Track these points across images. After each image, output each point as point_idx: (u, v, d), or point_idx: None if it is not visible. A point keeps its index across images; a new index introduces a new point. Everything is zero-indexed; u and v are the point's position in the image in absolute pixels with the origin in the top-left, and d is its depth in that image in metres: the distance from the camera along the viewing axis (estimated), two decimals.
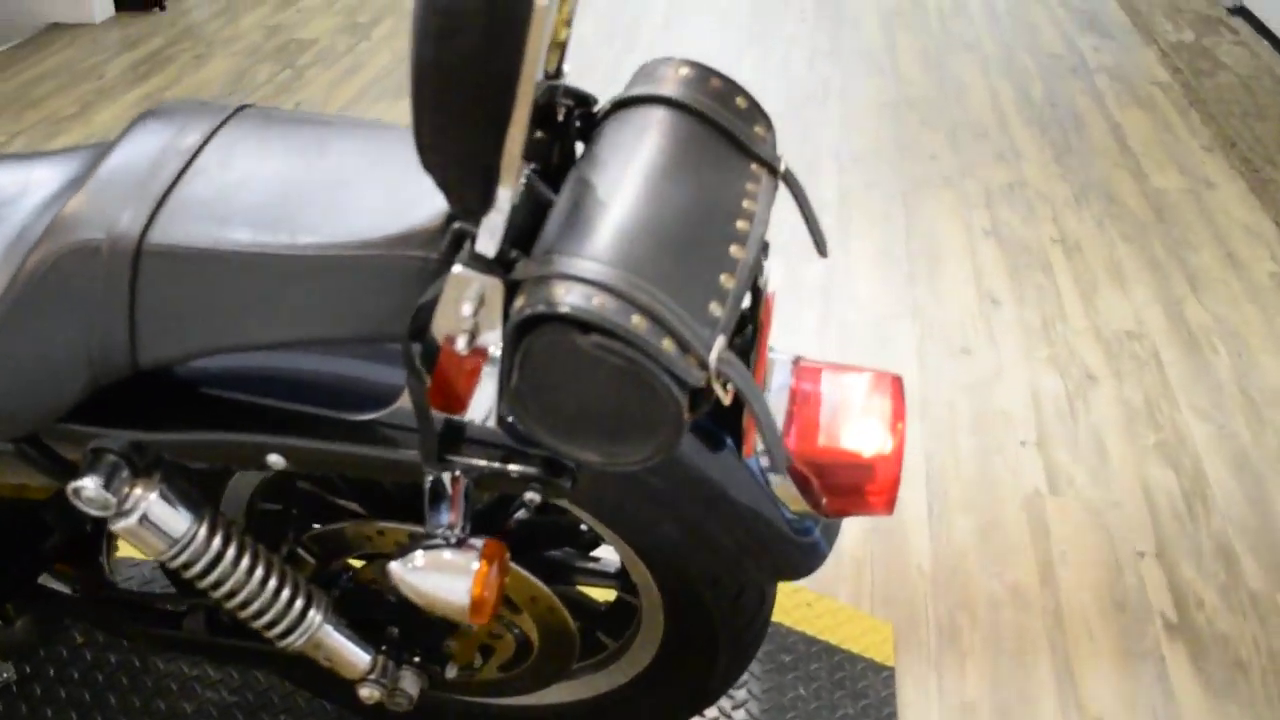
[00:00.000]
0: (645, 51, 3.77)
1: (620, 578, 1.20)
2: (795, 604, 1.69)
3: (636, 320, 0.74)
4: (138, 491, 0.95)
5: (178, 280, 0.85)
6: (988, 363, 2.28)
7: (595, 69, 3.63)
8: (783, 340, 2.34)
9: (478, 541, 0.93)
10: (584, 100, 0.92)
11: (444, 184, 0.75)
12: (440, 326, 0.81)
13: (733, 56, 3.73)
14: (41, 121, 3.34)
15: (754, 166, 0.91)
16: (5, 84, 3.62)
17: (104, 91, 3.54)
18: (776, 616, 1.66)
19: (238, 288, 0.85)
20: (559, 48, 0.78)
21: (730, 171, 0.88)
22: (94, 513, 0.94)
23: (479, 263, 0.78)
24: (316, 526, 1.17)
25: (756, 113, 0.94)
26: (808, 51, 3.79)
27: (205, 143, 0.93)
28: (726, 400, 0.77)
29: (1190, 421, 2.12)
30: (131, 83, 3.60)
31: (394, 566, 0.91)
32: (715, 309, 0.79)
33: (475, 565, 0.90)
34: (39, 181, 0.97)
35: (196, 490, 1.00)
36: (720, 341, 0.77)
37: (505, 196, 0.76)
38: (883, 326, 2.39)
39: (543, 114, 0.90)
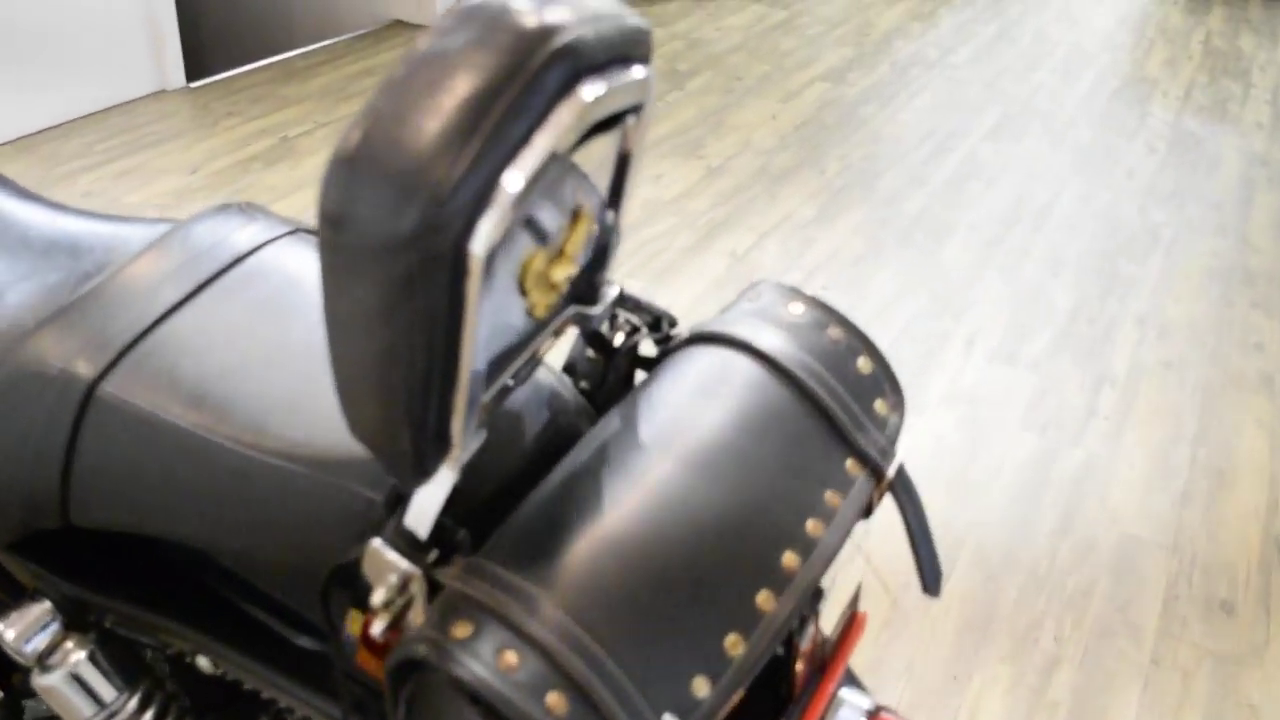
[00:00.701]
0: (963, 158, 3.45)
1: None
2: None
3: (553, 700, 0.52)
4: (66, 646, 0.82)
5: (119, 440, 0.71)
6: (1252, 633, 1.84)
7: (896, 169, 3.35)
8: (1002, 540, 1.99)
9: None
10: (658, 322, 0.71)
11: (370, 447, 0.56)
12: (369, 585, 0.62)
13: (1053, 182, 3.35)
14: (348, 117, 3.44)
15: (850, 463, 0.66)
16: (334, 73, 3.77)
17: None
18: None
19: (176, 469, 0.70)
20: (551, 289, 0.57)
21: (808, 471, 0.64)
22: (15, 659, 0.82)
23: (403, 541, 0.58)
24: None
25: (882, 382, 0.70)
26: (1144, 191, 3.34)
27: (226, 269, 0.79)
28: None
29: None
30: None
31: None
32: (700, 688, 0.55)
33: None
34: (111, 242, 0.86)
35: (136, 655, 0.86)
36: None
37: (446, 475, 0.56)
38: (1133, 549, 1.99)
39: (594, 336, 0.71)
